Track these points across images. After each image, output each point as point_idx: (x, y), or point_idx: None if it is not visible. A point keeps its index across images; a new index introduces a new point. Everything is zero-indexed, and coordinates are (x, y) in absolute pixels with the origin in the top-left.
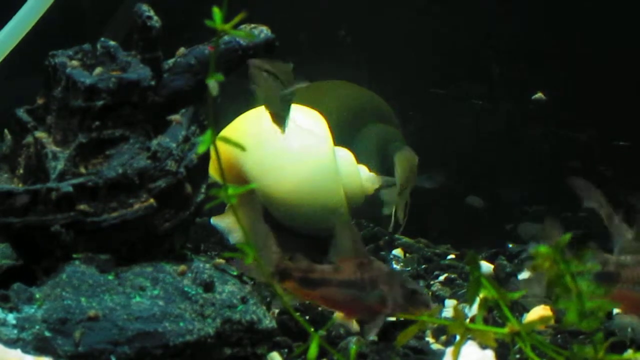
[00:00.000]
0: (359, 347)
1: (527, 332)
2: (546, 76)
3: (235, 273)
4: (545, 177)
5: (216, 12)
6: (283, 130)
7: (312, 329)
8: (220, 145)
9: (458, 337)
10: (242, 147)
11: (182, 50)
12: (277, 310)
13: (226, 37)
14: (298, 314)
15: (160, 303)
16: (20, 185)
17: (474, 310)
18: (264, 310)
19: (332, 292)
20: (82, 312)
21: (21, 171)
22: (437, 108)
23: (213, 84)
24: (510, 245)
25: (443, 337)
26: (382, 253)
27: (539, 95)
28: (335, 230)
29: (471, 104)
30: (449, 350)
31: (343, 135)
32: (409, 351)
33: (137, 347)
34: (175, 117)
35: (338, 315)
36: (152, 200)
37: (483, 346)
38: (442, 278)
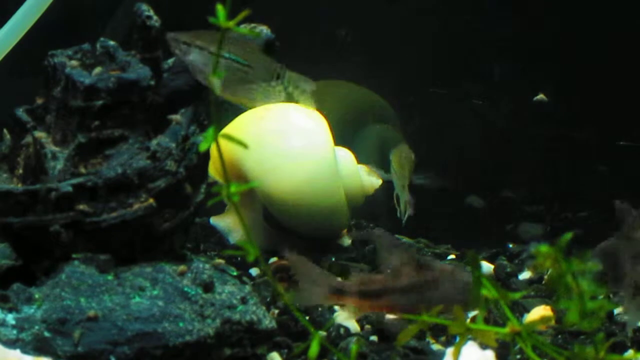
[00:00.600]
0: (359, 347)
1: (528, 332)
2: (546, 76)
3: (235, 273)
4: (545, 177)
5: (220, 9)
6: (217, 91)
7: (313, 329)
8: (221, 144)
9: (458, 337)
10: (244, 145)
11: None
12: (277, 311)
13: None
14: (299, 313)
15: (160, 303)
16: (19, 185)
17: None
18: (263, 310)
19: (396, 299)
20: (82, 312)
21: (20, 171)
22: (437, 108)
23: (215, 82)
24: (511, 246)
25: (443, 338)
26: None
27: (541, 96)
28: (374, 241)
29: (471, 104)
30: (449, 351)
31: (343, 135)
32: (409, 351)
33: (137, 347)
34: (175, 117)
35: (339, 314)
36: (151, 200)
37: (483, 346)
38: None
